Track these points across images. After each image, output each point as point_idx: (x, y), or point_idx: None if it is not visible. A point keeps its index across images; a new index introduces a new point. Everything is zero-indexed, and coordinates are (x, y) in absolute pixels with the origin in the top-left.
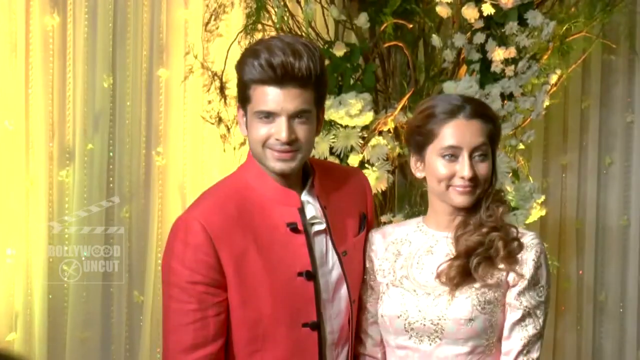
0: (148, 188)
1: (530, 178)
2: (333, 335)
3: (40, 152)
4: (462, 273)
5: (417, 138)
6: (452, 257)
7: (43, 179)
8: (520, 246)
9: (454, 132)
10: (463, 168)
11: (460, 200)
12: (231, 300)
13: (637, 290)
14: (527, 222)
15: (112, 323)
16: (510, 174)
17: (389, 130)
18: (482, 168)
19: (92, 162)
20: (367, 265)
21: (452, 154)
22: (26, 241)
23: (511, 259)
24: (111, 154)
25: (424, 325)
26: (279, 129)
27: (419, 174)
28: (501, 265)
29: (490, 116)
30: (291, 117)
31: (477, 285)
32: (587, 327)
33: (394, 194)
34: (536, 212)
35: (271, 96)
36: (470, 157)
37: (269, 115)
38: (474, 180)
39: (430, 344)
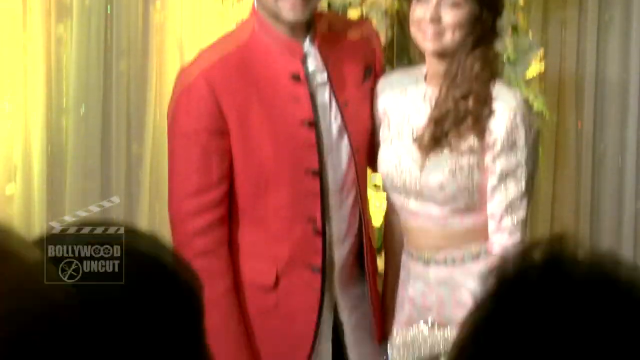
0: (146, 44)
1: (530, 33)
2: (337, 182)
3: (36, 6)
4: (432, 140)
5: None
6: (426, 123)
7: (40, 34)
8: (492, 110)
9: None
10: (427, 10)
11: (427, 45)
12: (234, 147)
13: (635, 141)
14: (527, 77)
15: (111, 176)
16: (510, 29)
17: None
18: (451, 13)
19: (89, 18)
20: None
21: None
22: (24, 92)
23: (482, 122)
24: (109, 11)
25: (405, 186)
26: None
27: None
28: (473, 130)
29: None
30: None
31: (447, 151)
32: (586, 180)
33: (392, 50)
34: (535, 67)
35: None
36: (440, 2)
37: None
38: (436, 23)
39: (415, 202)
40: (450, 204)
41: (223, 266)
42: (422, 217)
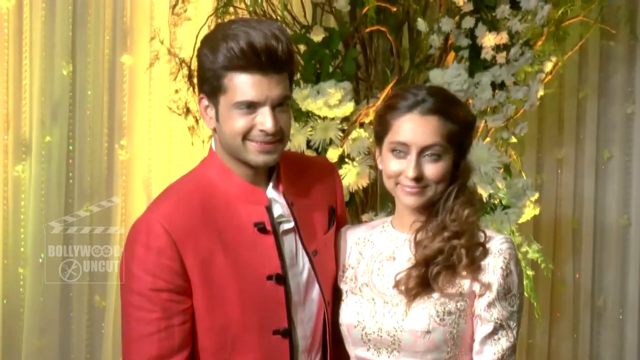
0: (110, 184)
1: (523, 174)
2: (306, 341)
3: None
4: (420, 283)
5: (377, 128)
6: (411, 265)
7: None
8: (486, 252)
9: (405, 128)
10: (408, 167)
11: (408, 200)
12: (197, 306)
13: (637, 294)
14: (520, 221)
15: (72, 329)
16: (502, 169)
17: (370, 122)
18: (432, 169)
19: (50, 156)
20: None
21: (401, 150)
22: None
23: (474, 266)
24: (71, 147)
25: (380, 336)
26: (264, 120)
27: (380, 166)
28: (464, 273)
29: (454, 114)
30: (274, 105)
31: (436, 295)
32: (584, 335)
33: (375, 191)
34: (529, 211)
35: (254, 84)
36: (420, 155)
37: (251, 106)
38: (420, 181)
39: (389, 356)
40: (432, 354)
41: None
42: None
